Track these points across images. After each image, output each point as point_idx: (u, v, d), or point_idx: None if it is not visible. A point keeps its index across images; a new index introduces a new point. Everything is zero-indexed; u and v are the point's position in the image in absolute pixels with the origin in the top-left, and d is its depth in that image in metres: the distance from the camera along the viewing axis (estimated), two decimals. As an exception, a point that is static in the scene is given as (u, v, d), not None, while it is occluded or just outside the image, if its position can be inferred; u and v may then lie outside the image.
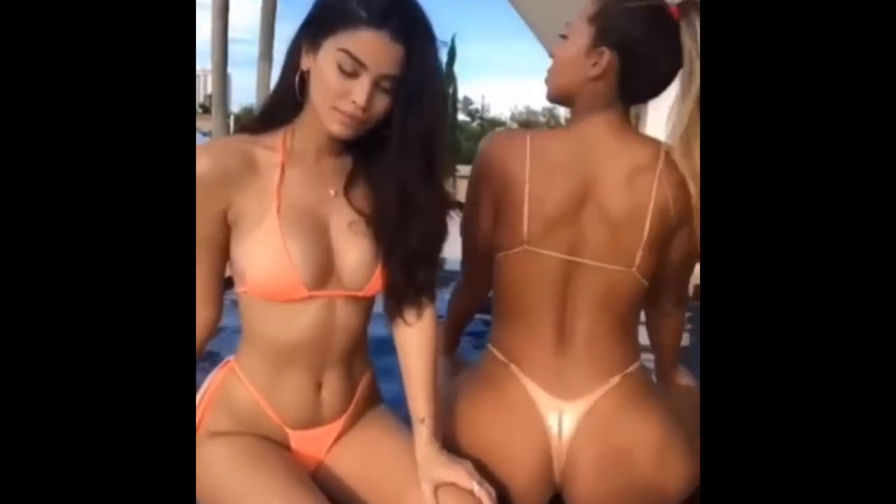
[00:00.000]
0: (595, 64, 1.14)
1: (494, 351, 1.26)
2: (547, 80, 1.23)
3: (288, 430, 1.11)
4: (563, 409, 1.18)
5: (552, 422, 1.17)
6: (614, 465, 1.16)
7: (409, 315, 1.10)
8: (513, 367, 1.21)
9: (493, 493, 1.02)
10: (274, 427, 1.10)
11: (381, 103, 0.97)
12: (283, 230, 1.00)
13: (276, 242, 0.99)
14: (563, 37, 1.18)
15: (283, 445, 1.11)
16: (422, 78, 0.96)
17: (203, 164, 0.98)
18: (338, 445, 1.15)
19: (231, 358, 1.14)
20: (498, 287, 1.26)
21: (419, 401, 1.09)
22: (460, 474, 1.01)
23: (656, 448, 1.17)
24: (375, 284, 1.07)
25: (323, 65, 0.96)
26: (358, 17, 0.93)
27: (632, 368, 1.21)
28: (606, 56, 1.13)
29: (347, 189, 1.07)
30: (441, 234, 1.06)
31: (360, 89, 0.94)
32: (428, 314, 1.11)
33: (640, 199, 1.15)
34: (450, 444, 1.17)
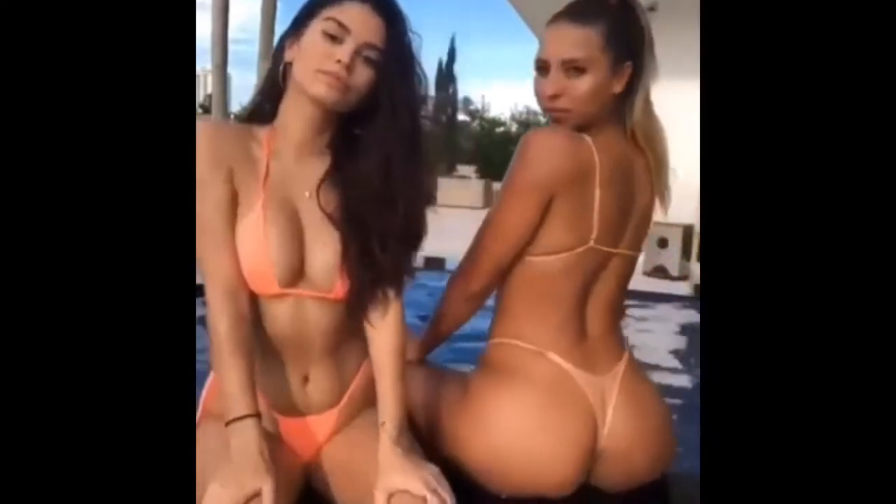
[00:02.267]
0: (619, 81, 1.22)
1: (518, 343, 1.26)
2: (558, 119, 1.23)
3: (277, 416, 1.12)
4: (601, 383, 1.27)
5: (595, 397, 1.25)
6: (648, 426, 1.28)
7: (376, 315, 1.09)
8: (549, 353, 1.25)
9: (449, 500, 1.00)
10: (264, 412, 1.10)
11: (364, 75, 1.02)
12: (266, 226, 1.04)
13: (259, 237, 1.04)
14: (580, 70, 1.19)
15: (274, 433, 1.12)
16: (403, 51, 1.05)
17: (204, 135, 1.03)
18: (329, 443, 1.16)
19: None
20: (524, 285, 1.27)
21: (383, 403, 1.08)
22: (414, 482, 0.98)
23: (665, 410, 1.33)
24: (342, 288, 1.08)
25: (308, 40, 1.03)
26: None
27: (627, 346, 1.35)
28: (629, 69, 1.22)
29: (320, 192, 1.08)
30: (418, 216, 1.06)
31: (344, 51, 1.01)
32: (394, 312, 1.10)
33: (652, 192, 1.30)
34: (477, 435, 1.22)
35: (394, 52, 1.04)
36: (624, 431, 1.25)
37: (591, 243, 1.22)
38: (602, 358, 1.28)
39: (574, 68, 1.19)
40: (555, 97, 1.21)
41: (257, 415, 0.99)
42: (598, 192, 1.19)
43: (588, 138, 1.20)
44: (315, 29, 1.03)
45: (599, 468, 1.26)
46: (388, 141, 1.03)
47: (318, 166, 1.10)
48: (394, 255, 1.06)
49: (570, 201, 1.19)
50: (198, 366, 1.13)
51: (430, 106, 1.09)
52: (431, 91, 1.11)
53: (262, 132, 1.09)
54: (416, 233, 1.08)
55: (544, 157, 1.18)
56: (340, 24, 1.01)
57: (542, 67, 1.23)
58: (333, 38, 1.01)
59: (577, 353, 1.26)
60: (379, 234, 1.05)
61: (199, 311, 1.12)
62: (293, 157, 1.09)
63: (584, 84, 1.19)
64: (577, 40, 1.19)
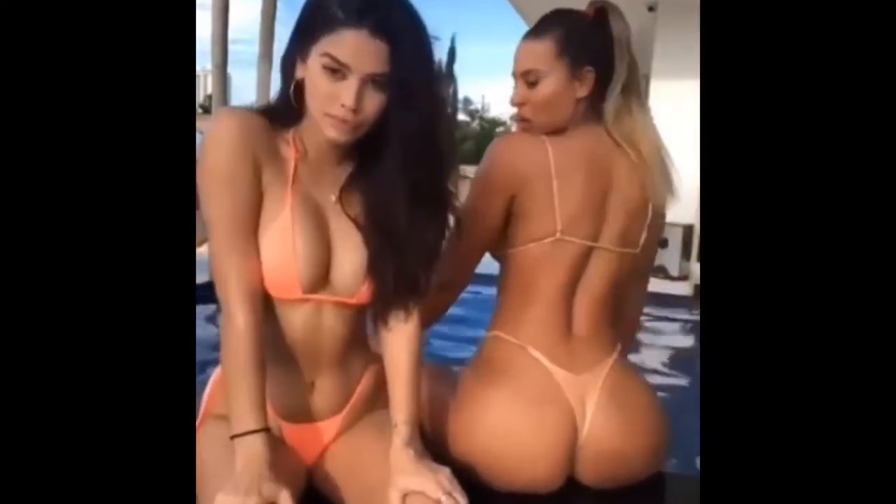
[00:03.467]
0: (582, 85, 1.29)
1: (505, 336, 1.33)
2: (525, 127, 1.34)
3: (281, 422, 1.12)
4: (582, 382, 1.29)
5: (573, 395, 1.28)
6: (631, 427, 1.29)
7: (396, 320, 1.10)
8: (530, 349, 1.29)
9: (463, 503, 0.99)
10: (268, 417, 1.10)
11: (374, 102, 0.96)
12: (295, 230, 1.01)
13: (287, 241, 1.00)
14: (533, 84, 1.30)
15: (277, 436, 1.12)
16: (411, 71, 0.95)
17: (233, 123, 0.98)
18: (333, 445, 1.15)
19: None
20: (512, 277, 1.34)
21: (396, 405, 1.08)
22: (428, 484, 0.97)
23: (654, 412, 1.34)
24: (366, 293, 1.07)
25: (311, 73, 0.96)
26: (336, 19, 0.93)
27: (619, 347, 1.37)
28: (591, 74, 1.29)
29: (343, 196, 1.07)
30: (443, 234, 1.07)
31: (347, 92, 0.94)
32: (413, 318, 1.10)
33: (640, 189, 1.32)
34: (465, 431, 1.26)
35: (399, 71, 0.95)
36: (605, 431, 1.27)
37: (559, 234, 1.27)
38: (585, 356, 1.31)
39: (531, 79, 1.30)
40: (520, 105, 1.34)
41: (266, 429, 0.96)
42: (555, 184, 1.26)
43: (544, 137, 1.29)
44: (316, 61, 0.95)
45: (583, 466, 1.29)
46: (399, 167, 1.00)
47: (345, 170, 1.07)
48: (428, 269, 1.06)
49: (530, 196, 1.27)
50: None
51: (452, 114, 1.08)
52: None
53: (287, 132, 1.05)
54: (434, 246, 1.07)
55: (499, 160, 1.29)
56: (338, 62, 0.93)
57: (515, 82, 1.35)
58: (335, 72, 0.94)
59: (558, 350, 1.29)
60: (403, 241, 1.03)
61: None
62: (320, 160, 1.06)
63: (541, 91, 1.30)
64: (532, 53, 1.31)
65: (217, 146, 0.97)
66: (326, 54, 0.93)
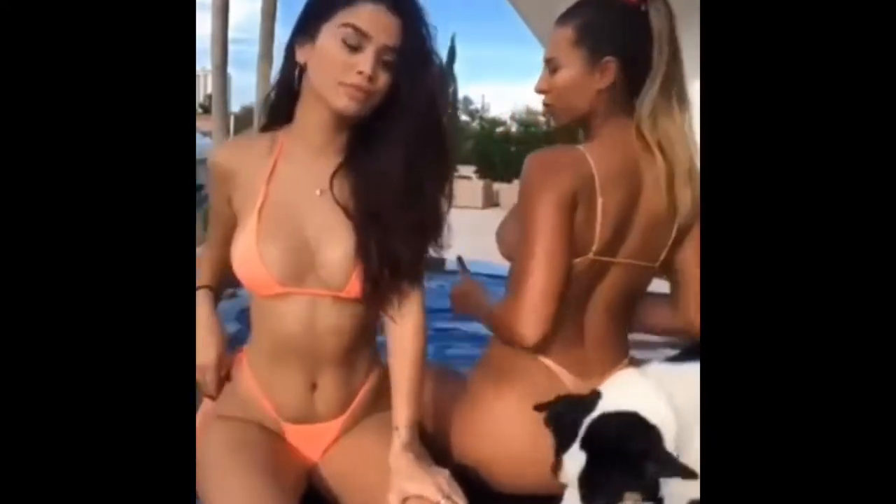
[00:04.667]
0: (602, 76, 1.22)
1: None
2: (549, 113, 1.33)
3: (283, 423, 1.12)
4: (590, 386, 1.23)
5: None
6: None
7: (391, 306, 1.08)
8: (541, 358, 1.25)
9: None
10: (270, 418, 1.12)
11: (383, 78, 1.02)
12: (259, 226, 1.05)
13: (251, 237, 1.05)
14: (555, 66, 1.26)
15: (279, 437, 1.13)
16: (420, 46, 1.04)
17: (213, 159, 1.13)
18: (334, 447, 1.15)
19: (245, 347, 1.19)
20: None
21: (397, 407, 1.07)
22: (428, 488, 0.98)
23: None
24: (356, 284, 1.06)
25: (325, 46, 1.01)
26: None
27: (630, 355, 1.35)
28: (612, 64, 1.21)
29: (333, 185, 1.08)
30: (437, 210, 1.08)
31: (365, 60, 0.99)
32: (415, 312, 1.09)
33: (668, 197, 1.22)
34: (472, 432, 1.25)
35: (410, 49, 1.02)
36: None
37: (591, 254, 1.20)
38: (595, 363, 1.28)
39: (552, 66, 1.27)
40: (543, 93, 1.30)
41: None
42: (600, 201, 1.17)
43: (582, 149, 1.19)
44: (331, 35, 1.01)
45: None
46: (409, 136, 1.03)
47: (332, 163, 1.09)
48: (412, 247, 1.06)
49: (579, 212, 1.17)
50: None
51: (449, 97, 1.12)
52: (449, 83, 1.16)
53: (279, 135, 1.10)
54: (434, 225, 1.08)
55: (547, 172, 1.18)
56: (359, 31, 0.99)
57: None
58: (352, 47, 0.99)
59: (567, 356, 1.26)
60: (397, 228, 1.04)
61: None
62: (309, 156, 1.08)
63: (559, 79, 1.26)
64: (554, 40, 1.27)
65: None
66: (348, 24, 1.00)
